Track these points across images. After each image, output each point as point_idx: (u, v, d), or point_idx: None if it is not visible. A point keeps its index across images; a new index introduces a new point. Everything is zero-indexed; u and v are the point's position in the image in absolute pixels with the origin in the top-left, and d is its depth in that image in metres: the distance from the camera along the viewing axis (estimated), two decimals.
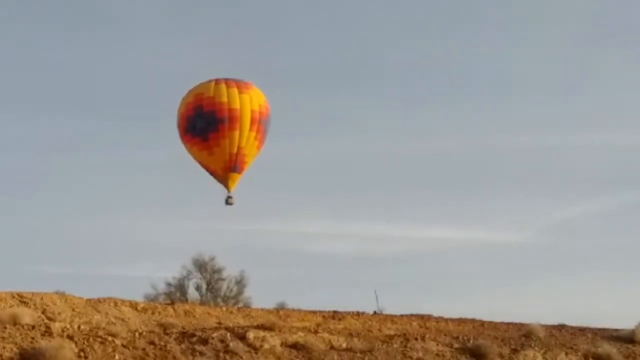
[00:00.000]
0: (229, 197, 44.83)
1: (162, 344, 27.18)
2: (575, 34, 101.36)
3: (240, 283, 57.81)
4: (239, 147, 43.93)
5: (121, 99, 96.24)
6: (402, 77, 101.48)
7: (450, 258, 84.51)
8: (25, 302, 29.53)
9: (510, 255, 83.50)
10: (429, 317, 36.58)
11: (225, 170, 44.35)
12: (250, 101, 44.39)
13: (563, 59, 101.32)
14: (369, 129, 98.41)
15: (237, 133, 43.78)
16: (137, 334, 27.59)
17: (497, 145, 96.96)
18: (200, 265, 57.73)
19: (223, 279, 57.95)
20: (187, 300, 53.26)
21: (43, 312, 29.13)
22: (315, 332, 30.53)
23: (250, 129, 44.06)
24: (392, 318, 35.82)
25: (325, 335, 30.23)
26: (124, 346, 26.35)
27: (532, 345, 32.69)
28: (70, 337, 25.98)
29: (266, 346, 28.38)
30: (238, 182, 44.98)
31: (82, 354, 25.17)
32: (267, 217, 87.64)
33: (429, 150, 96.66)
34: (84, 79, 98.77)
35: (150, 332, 28.32)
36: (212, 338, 28.06)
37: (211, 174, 44.95)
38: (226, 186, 44.79)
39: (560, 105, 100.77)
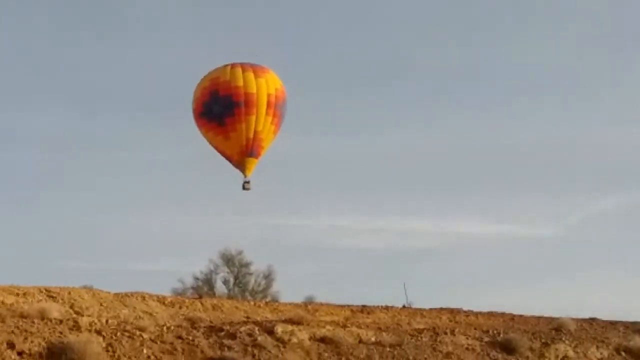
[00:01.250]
0: (246, 182, 44.33)
1: (190, 338, 27.07)
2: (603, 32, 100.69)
3: (268, 277, 57.64)
4: (255, 132, 43.42)
5: (145, 95, 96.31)
6: (430, 74, 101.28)
7: (480, 252, 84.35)
8: (53, 297, 29.59)
9: (540, 249, 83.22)
10: (458, 311, 36.39)
11: (241, 155, 43.83)
12: (266, 85, 43.89)
13: (592, 55, 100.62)
14: (400, 125, 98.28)
15: (253, 117, 43.26)
16: (164, 328, 27.49)
17: (528, 139, 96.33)
18: (228, 260, 57.61)
19: (251, 273, 57.79)
20: (214, 294, 53.13)
21: (71, 307, 29.17)
22: (344, 326, 30.35)
23: (267, 113, 43.53)
24: (421, 312, 35.66)
25: (354, 329, 30.04)
26: (151, 340, 26.27)
27: (563, 339, 32.41)
28: (98, 332, 25.92)
29: (294, 340, 28.23)
30: (255, 167, 44.49)
31: (109, 348, 25.10)
32: (297, 211, 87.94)
33: (459, 146, 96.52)
34: (108, 76, 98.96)
35: (178, 326, 28.23)
36: (240, 332, 27.93)
37: (227, 159, 44.48)
38: (242, 171, 44.30)
39: (586, 100, 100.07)
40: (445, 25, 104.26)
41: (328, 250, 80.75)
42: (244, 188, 44.41)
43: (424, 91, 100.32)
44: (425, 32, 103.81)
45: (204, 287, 55.98)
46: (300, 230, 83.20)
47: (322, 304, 35.97)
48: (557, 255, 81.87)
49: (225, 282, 57.29)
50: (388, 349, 29.17)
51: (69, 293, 30.18)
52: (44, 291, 29.96)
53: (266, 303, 37.55)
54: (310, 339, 28.62)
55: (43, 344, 24.34)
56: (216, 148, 44.51)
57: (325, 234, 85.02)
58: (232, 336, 27.66)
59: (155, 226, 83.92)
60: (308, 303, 37.07)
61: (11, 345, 23.83)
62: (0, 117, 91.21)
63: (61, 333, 25.32)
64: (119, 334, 26.08)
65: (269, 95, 43.69)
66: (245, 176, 44.37)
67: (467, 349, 30.50)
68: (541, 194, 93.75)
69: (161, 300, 32.43)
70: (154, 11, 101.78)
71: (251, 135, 43.40)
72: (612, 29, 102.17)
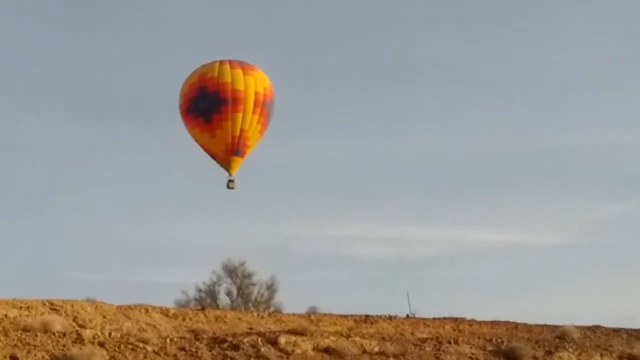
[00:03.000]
0: (230, 180, 43.86)
1: (193, 350, 27.10)
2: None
3: (271, 288, 57.69)
4: (241, 130, 42.81)
5: (146, 103, 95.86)
6: (437, 77, 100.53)
7: (484, 260, 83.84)
8: (56, 310, 29.58)
9: (544, 257, 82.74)
10: (462, 320, 36.34)
11: (227, 153, 43.27)
12: (254, 83, 43.43)
13: (604, 57, 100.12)
14: (403, 130, 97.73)
15: (240, 115, 42.65)
16: (168, 340, 27.52)
17: (534, 145, 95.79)
18: (231, 271, 57.64)
19: (254, 284, 57.85)
20: (217, 305, 53.17)
21: (74, 320, 29.16)
22: (347, 336, 30.35)
23: (254, 112, 42.95)
24: (424, 321, 35.60)
25: (358, 339, 30.04)
26: (155, 352, 26.30)
27: (567, 347, 32.37)
28: (101, 344, 25.95)
29: (298, 351, 28.24)
30: (240, 166, 44.05)
31: None
32: (300, 220, 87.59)
33: (464, 152, 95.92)
34: (112, 83, 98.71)
35: (181, 338, 28.26)
36: (244, 343, 27.94)
37: (212, 156, 44.10)
38: (227, 170, 43.94)
39: (599, 104, 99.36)
40: (450, 22, 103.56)
41: (331, 260, 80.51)
42: (228, 187, 43.96)
43: (431, 95, 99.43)
44: (432, 30, 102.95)
45: (207, 298, 56.02)
46: (303, 239, 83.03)
47: (325, 315, 35.95)
48: (561, 263, 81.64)
49: (228, 293, 57.35)
50: (392, 358, 29.17)
51: (72, 306, 30.17)
52: (47, 304, 29.96)
53: (269, 314, 37.55)
54: (313, 349, 28.63)
55: (46, 357, 24.39)
56: (201, 145, 43.95)
57: (330, 243, 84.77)
58: (236, 347, 27.68)
59: (157, 237, 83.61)
60: (311, 313, 37.06)
61: (14, 359, 23.85)
62: None
63: (64, 346, 25.36)
64: (122, 346, 26.12)
65: (256, 94, 43.18)
66: (230, 175, 43.98)
67: (470, 358, 30.48)
68: (544, 201, 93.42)
69: (164, 312, 32.41)
70: (173, 12, 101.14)
71: (237, 134, 42.80)
72: (630, 30, 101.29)
